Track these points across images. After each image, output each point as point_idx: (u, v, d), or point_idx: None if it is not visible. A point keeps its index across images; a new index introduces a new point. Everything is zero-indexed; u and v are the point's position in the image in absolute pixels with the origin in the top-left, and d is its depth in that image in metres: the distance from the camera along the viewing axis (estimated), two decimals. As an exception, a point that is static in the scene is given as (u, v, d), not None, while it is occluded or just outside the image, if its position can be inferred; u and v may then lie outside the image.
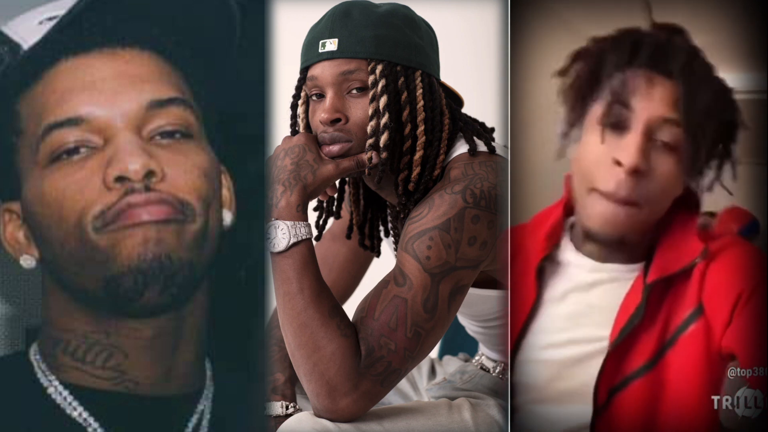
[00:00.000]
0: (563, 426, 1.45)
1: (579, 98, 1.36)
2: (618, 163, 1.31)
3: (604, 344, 1.40)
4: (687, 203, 1.39)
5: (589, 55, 1.34)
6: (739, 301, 1.36)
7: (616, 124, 1.32)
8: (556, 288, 1.46)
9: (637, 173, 1.31)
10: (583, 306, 1.44)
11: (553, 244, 1.45)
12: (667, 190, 1.34)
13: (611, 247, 1.41)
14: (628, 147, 1.30)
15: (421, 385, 1.84)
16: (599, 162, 1.34)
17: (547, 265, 1.46)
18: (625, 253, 1.42)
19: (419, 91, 1.55)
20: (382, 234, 1.72)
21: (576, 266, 1.47)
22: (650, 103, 1.30)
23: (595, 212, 1.37)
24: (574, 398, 1.42)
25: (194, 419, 1.42)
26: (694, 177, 1.34)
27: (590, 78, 1.34)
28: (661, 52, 1.31)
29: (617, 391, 1.40)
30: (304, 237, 1.49)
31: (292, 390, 1.66)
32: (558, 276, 1.46)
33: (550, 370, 1.43)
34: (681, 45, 1.32)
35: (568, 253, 1.48)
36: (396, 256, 1.59)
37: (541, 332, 1.45)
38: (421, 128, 1.55)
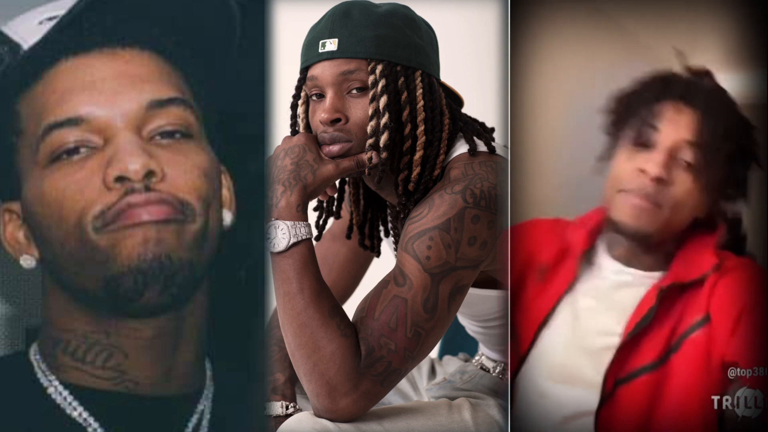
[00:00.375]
0: (570, 408, 1.52)
1: (616, 129, 1.53)
2: (643, 171, 1.48)
3: (617, 339, 1.50)
4: (708, 226, 1.52)
5: (626, 94, 1.52)
6: (743, 314, 1.47)
7: (644, 144, 1.49)
8: (586, 281, 1.57)
9: (659, 181, 1.47)
10: (606, 302, 1.54)
11: (594, 240, 1.58)
12: (686, 202, 1.49)
13: (636, 250, 1.53)
14: (653, 160, 1.47)
15: (421, 385, 1.84)
16: (628, 171, 1.50)
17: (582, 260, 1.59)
18: (647, 261, 1.54)
19: (419, 91, 1.55)
20: (382, 234, 1.72)
21: (605, 268, 1.56)
22: (676, 127, 1.48)
23: (622, 206, 1.51)
24: (582, 383, 1.51)
25: (194, 419, 1.42)
26: (710, 194, 1.50)
27: (626, 112, 1.52)
28: (689, 87, 1.50)
29: (622, 384, 1.49)
30: (304, 237, 1.49)
31: (292, 390, 1.66)
32: (590, 271, 1.57)
33: (565, 352, 1.53)
34: (707, 82, 1.51)
35: (601, 253, 1.58)
36: (396, 256, 1.59)
37: (567, 315, 1.55)
38: (421, 128, 1.55)
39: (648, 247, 1.53)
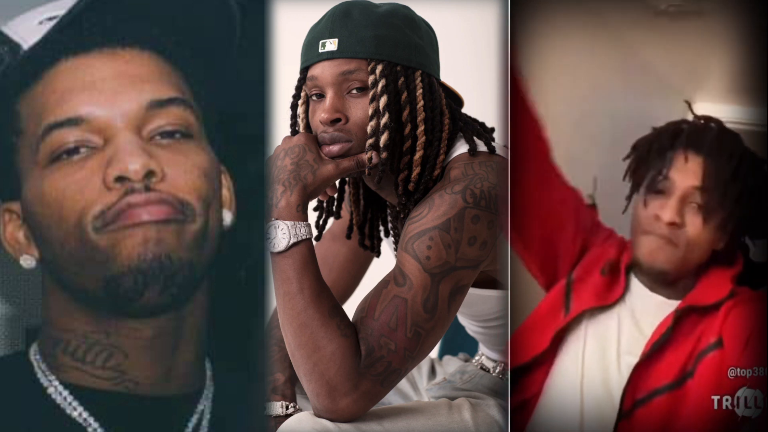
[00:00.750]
0: (592, 415, 1.59)
1: (635, 177, 1.66)
2: (658, 217, 1.61)
3: (637, 360, 1.60)
4: (727, 260, 1.63)
5: (642, 143, 1.65)
6: (751, 338, 1.57)
7: (659, 191, 1.62)
8: (625, 299, 1.67)
9: (672, 225, 1.60)
10: (634, 322, 1.63)
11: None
12: (699, 241, 1.61)
13: (656, 284, 1.64)
14: (667, 206, 1.61)
15: (421, 385, 1.84)
16: (646, 216, 1.63)
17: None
18: (669, 291, 1.64)
19: (419, 91, 1.55)
20: (382, 234, 1.72)
21: (634, 292, 1.65)
22: (685, 175, 1.61)
23: (642, 247, 1.63)
24: (607, 396, 1.59)
25: (194, 419, 1.42)
26: (723, 231, 1.61)
27: (642, 162, 1.65)
28: (696, 135, 1.63)
29: (641, 404, 1.57)
30: (304, 237, 1.48)
31: (292, 390, 1.66)
32: (627, 291, 1.68)
33: (599, 361, 1.63)
34: (713, 128, 1.63)
35: (632, 278, 1.68)
36: (396, 256, 1.59)
37: (611, 326, 1.65)
38: (421, 128, 1.55)
39: (666, 283, 1.63)
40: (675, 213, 1.60)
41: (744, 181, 1.61)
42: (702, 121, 1.64)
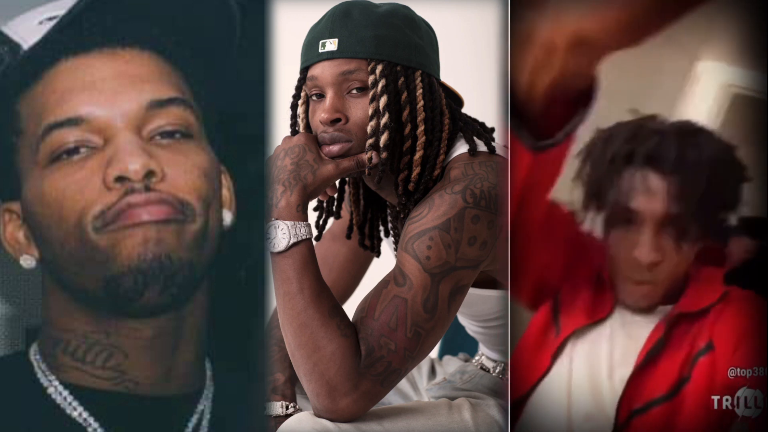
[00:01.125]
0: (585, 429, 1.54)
1: (595, 205, 1.54)
2: (636, 261, 1.51)
3: (631, 370, 1.54)
4: (713, 259, 1.55)
5: (591, 156, 1.52)
6: (742, 340, 1.52)
7: (628, 221, 1.51)
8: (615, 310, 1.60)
9: (653, 265, 1.51)
10: (626, 332, 1.57)
11: None
12: (680, 265, 1.53)
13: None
14: (641, 245, 1.51)
15: (421, 385, 1.84)
16: (622, 257, 1.53)
17: None
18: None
19: (419, 91, 1.55)
20: (382, 234, 1.72)
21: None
22: (651, 203, 1.49)
23: (624, 291, 1.55)
24: (601, 410, 1.53)
25: (194, 419, 1.42)
26: (703, 241, 1.52)
27: (598, 178, 1.52)
28: (654, 151, 1.49)
29: (637, 414, 1.51)
30: (304, 237, 1.49)
31: (292, 390, 1.67)
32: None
33: (590, 375, 1.56)
34: (671, 136, 1.49)
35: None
36: (396, 256, 1.59)
37: (602, 338, 1.58)
38: (421, 128, 1.55)
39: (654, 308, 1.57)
40: (652, 251, 1.50)
41: (716, 192, 1.50)
42: (657, 127, 1.50)
